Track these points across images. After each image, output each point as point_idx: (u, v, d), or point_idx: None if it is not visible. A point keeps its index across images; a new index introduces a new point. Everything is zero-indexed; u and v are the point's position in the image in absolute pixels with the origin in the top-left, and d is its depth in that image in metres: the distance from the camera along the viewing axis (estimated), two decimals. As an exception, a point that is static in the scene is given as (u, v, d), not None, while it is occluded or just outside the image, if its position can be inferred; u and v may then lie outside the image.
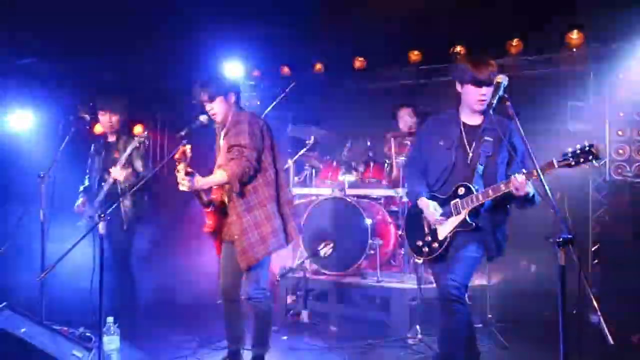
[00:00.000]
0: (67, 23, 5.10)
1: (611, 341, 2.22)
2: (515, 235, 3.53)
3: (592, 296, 2.27)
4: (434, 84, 6.44)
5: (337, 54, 6.44)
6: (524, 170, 2.99)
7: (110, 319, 3.73)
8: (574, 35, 5.34)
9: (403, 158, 5.31)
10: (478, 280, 4.96)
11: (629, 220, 5.41)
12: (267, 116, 7.10)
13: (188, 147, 3.31)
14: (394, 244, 5.53)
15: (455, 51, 5.86)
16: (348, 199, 5.35)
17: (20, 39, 5.36)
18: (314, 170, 6.21)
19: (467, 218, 3.21)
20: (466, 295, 3.25)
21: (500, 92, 3.01)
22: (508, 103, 2.98)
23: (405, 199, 5.30)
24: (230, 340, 3.93)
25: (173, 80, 6.74)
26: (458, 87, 3.35)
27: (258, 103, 7.59)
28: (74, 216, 5.02)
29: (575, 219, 5.30)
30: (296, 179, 6.03)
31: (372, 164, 5.72)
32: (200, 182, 3.39)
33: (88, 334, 4.53)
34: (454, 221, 3.26)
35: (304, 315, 5.18)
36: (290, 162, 5.89)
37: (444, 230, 3.30)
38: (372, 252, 5.16)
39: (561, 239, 2.34)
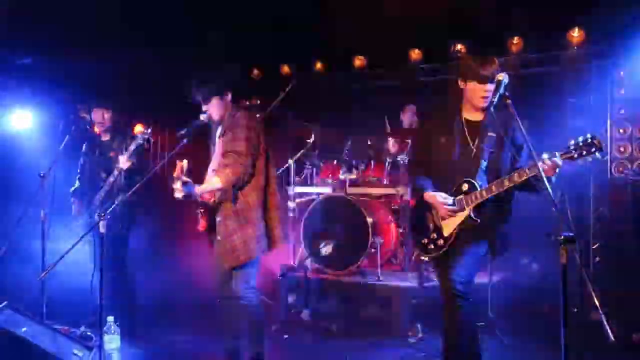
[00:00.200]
0: (67, 22, 5.10)
1: (612, 339, 2.22)
2: (516, 234, 3.52)
3: (593, 294, 2.26)
4: (435, 83, 6.43)
5: (338, 53, 6.43)
6: (546, 156, 2.93)
7: (110, 318, 3.73)
8: (575, 33, 5.34)
9: (404, 156, 5.31)
10: (479, 279, 4.95)
11: (630, 218, 5.39)
12: (267, 115, 7.14)
13: (185, 162, 3.32)
14: (395, 242, 5.53)
15: (455, 50, 5.86)
16: (349, 198, 5.35)
17: (20, 38, 5.35)
18: (314, 169, 6.20)
19: (472, 214, 3.20)
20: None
21: (501, 90, 3.01)
22: (509, 101, 2.98)
23: (406, 197, 5.30)
24: (228, 339, 3.93)
25: (173, 79, 6.74)
26: (461, 84, 3.33)
27: (258, 102, 7.59)
28: (75, 215, 5.03)
29: (576, 217, 5.28)
30: (297, 177, 6.03)
31: (372, 163, 5.71)
32: (198, 190, 3.41)
33: (89, 333, 4.55)
34: (459, 218, 3.25)
35: (305, 314, 5.18)
36: (290, 161, 5.88)
37: (449, 227, 3.29)
38: (373, 250, 5.15)
39: (562, 237, 2.33)
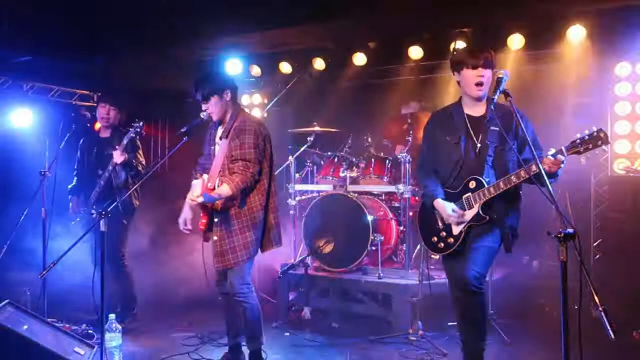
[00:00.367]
0: (67, 20, 5.09)
1: (612, 336, 2.22)
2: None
3: (593, 291, 2.26)
4: (435, 80, 6.43)
5: (338, 50, 6.42)
6: (552, 149, 2.94)
7: (112, 316, 3.74)
8: (576, 30, 5.32)
9: (405, 154, 5.31)
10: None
11: (631, 215, 5.40)
12: (268, 112, 7.15)
13: (205, 177, 3.54)
14: (396, 240, 5.53)
15: (456, 47, 5.84)
16: (349, 195, 5.35)
17: (20, 36, 5.35)
18: (315, 167, 6.20)
19: (480, 211, 3.19)
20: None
21: (502, 88, 3.00)
22: (510, 98, 2.98)
23: (406, 195, 5.30)
24: (230, 335, 3.95)
25: (174, 77, 6.74)
26: (456, 76, 3.33)
27: (260, 100, 7.59)
28: (75, 213, 5.04)
29: (577, 214, 5.29)
30: (297, 175, 6.03)
31: (373, 160, 5.71)
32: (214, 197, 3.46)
33: (90, 331, 4.56)
34: (468, 215, 3.25)
35: (306, 312, 5.18)
36: (291, 159, 5.88)
37: (458, 225, 3.28)
38: (373, 248, 5.16)
39: (563, 235, 2.33)
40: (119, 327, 3.75)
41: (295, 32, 5.70)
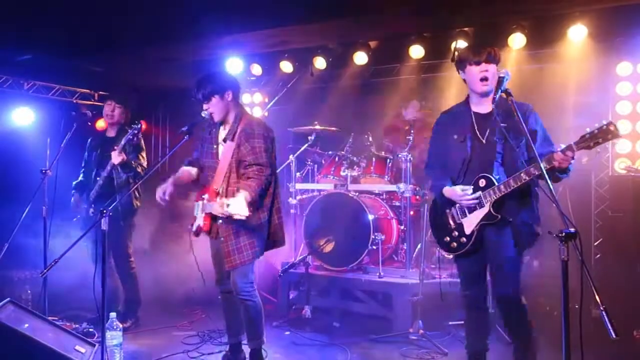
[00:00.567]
0: (67, 19, 5.08)
1: (614, 335, 2.22)
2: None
3: (594, 291, 2.26)
4: (436, 79, 6.42)
5: (338, 49, 6.41)
6: (562, 145, 2.91)
7: (113, 315, 3.74)
8: (577, 30, 5.31)
9: (405, 153, 5.31)
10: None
11: (632, 215, 5.39)
12: (269, 111, 7.15)
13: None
14: (396, 239, 5.53)
15: (457, 46, 5.84)
16: (350, 194, 5.35)
17: (20, 35, 5.35)
18: (315, 166, 6.20)
19: (492, 210, 3.15)
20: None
21: (503, 87, 3.00)
22: (511, 97, 2.98)
23: (407, 194, 5.30)
24: (230, 334, 3.95)
25: (174, 77, 6.74)
26: (461, 74, 3.31)
27: (260, 99, 7.58)
28: (75, 212, 5.04)
29: (577, 214, 5.28)
30: (298, 174, 6.03)
31: (374, 159, 5.71)
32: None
33: (91, 330, 4.57)
34: (479, 214, 3.20)
35: (307, 311, 5.19)
36: (292, 158, 5.89)
37: (470, 224, 3.25)
38: (374, 247, 5.16)
39: (564, 234, 2.33)
40: (120, 325, 3.76)
41: (296, 31, 5.69)
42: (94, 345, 3.83)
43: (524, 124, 2.93)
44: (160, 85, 6.99)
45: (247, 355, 3.87)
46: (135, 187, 4.75)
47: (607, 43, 5.48)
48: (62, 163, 4.67)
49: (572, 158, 2.89)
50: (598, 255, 5.56)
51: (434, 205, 3.51)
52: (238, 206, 3.28)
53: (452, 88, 6.00)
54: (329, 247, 5.30)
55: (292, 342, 4.67)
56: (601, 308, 2.23)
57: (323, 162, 6.06)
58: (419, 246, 5.39)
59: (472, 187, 3.22)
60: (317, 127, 5.87)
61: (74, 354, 3.53)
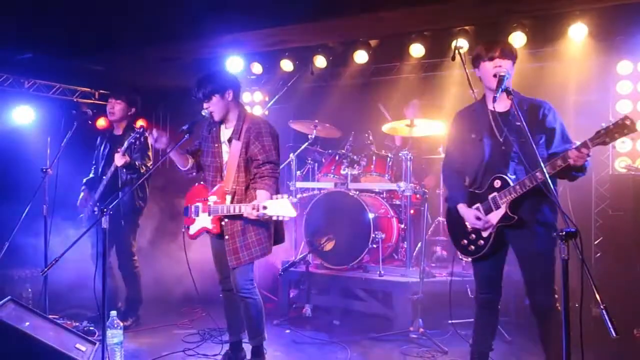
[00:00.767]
0: (68, 18, 5.09)
1: (614, 334, 2.22)
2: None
3: (595, 289, 2.26)
4: (437, 78, 6.42)
5: (339, 48, 6.41)
6: (577, 142, 2.87)
7: (113, 313, 3.74)
8: (577, 28, 5.31)
9: (406, 152, 5.31)
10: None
11: (632, 214, 5.38)
12: (269, 110, 7.15)
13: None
14: (397, 238, 5.54)
15: (457, 45, 5.83)
16: (350, 193, 5.35)
17: (20, 33, 5.35)
18: (316, 165, 6.20)
19: (508, 212, 3.08)
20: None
21: (503, 86, 2.99)
22: (511, 96, 2.97)
23: (407, 193, 5.30)
24: (231, 332, 3.96)
25: (175, 76, 6.74)
26: (476, 72, 3.26)
27: (261, 98, 7.58)
28: (77, 210, 5.04)
29: (577, 213, 5.28)
30: (298, 172, 6.03)
31: (374, 158, 5.71)
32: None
33: (91, 328, 4.57)
34: (495, 216, 3.13)
35: (307, 309, 5.19)
36: (292, 156, 5.89)
37: (486, 228, 3.19)
38: (374, 246, 5.16)
39: (564, 233, 2.33)
40: (121, 324, 3.76)
41: (296, 29, 5.69)
42: (95, 344, 3.83)
43: (525, 126, 2.86)
44: (161, 84, 6.99)
45: (248, 353, 3.87)
46: (135, 186, 4.75)
47: (607, 42, 5.48)
48: (63, 162, 4.67)
49: (588, 155, 2.83)
50: (598, 254, 5.56)
51: (450, 210, 3.43)
52: (281, 208, 3.29)
53: (452, 87, 6.00)
54: (329, 246, 5.30)
55: (293, 341, 4.67)
56: (601, 307, 2.23)
57: (323, 160, 6.06)
58: (419, 245, 5.39)
59: (487, 188, 3.17)
60: (318, 125, 5.85)
61: (74, 352, 3.53)
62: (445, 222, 3.55)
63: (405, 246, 5.43)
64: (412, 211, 5.45)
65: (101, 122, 6.63)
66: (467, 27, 5.55)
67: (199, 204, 3.73)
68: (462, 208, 3.26)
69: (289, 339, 4.73)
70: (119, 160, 4.57)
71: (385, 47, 6.31)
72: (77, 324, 4.58)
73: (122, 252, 4.92)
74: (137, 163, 4.71)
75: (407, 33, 5.92)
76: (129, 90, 4.98)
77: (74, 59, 6.20)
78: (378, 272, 5.11)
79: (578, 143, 2.87)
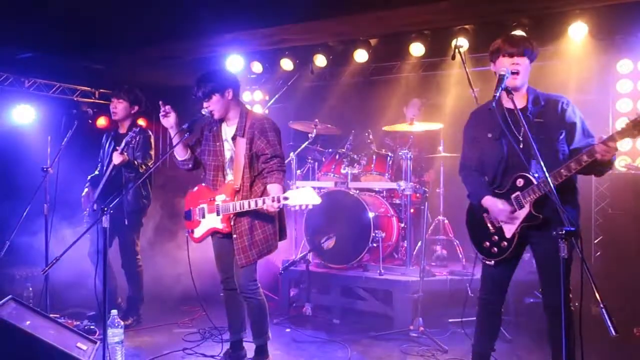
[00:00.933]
0: (68, 17, 5.09)
1: (614, 333, 2.23)
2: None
3: (594, 288, 2.26)
4: (437, 77, 6.42)
5: (339, 46, 6.41)
6: (603, 136, 2.76)
7: (114, 312, 3.75)
8: (577, 27, 5.31)
9: (406, 150, 5.31)
10: (480, 273, 4.95)
11: (632, 213, 5.39)
12: (269, 109, 7.15)
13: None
14: (397, 237, 5.54)
15: (457, 44, 5.83)
16: (350, 192, 5.36)
17: (21, 32, 5.35)
18: (316, 164, 6.21)
19: (532, 211, 2.99)
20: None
21: (503, 85, 2.98)
22: (511, 96, 2.96)
23: (407, 192, 5.30)
24: (232, 331, 3.96)
25: (175, 75, 6.74)
26: (492, 67, 3.18)
27: (261, 97, 7.59)
28: (77, 209, 5.05)
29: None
30: (298, 172, 6.03)
31: (374, 157, 5.71)
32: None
33: (92, 327, 4.58)
34: (519, 216, 3.04)
35: (307, 308, 5.20)
36: (292, 155, 5.89)
37: (511, 227, 3.09)
38: (374, 245, 5.17)
39: (564, 232, 2.33)
40: (122, 323, 3.76)
41: (296, 28, 5.69)
42: (96, 343, 3.84)
43: (557, 117, 2.80)
44: (161, 83, 6.98)
45: (249, 352, 3.88)
46: (135, 185, 4.75)
47: (607, 41, 5.49)
48: (63, 161, 4.68)
49: (615, 149, 2.74)
50: (598, 253, 5.57)
51: (471, 210, 3.35)
52: (303, 197, 3.29)
53: (452, 86, 6.00)
54: (329, 245, 5.30)
55: (293, 340, 4.68)
56: (601, 305, 2.23)
57: (323, 159, 6.06)
58: (419, 244, 5.40)
59: (510, 188, 3.08)
60: (318, 124, 5.85)
61: (75, 351, 3.53)
62: (466, 223, 3.38)
63: (406, 245, 5.44)
64: (412, 210, 5.46)
65: (101, 122, 6.64)
66: (467, 26, 5.55)
67: (204, 205, 3.72)
68: (488, 200, 3.13)
69: (289, 337, 4.74)
70: (117, 158, 4.58)
71: (385, 46, 6.31)
72: (78, 322, 4.58)
73: (125, 251, 4.92)
74: (136, 162, 4.71)
75: (407, 32, 5.92)
76: (131, 89, 4.99)
77: (74, 58, 6.20)
78: (378, 271, 5.11)
79: (604, 137, 2.76)
